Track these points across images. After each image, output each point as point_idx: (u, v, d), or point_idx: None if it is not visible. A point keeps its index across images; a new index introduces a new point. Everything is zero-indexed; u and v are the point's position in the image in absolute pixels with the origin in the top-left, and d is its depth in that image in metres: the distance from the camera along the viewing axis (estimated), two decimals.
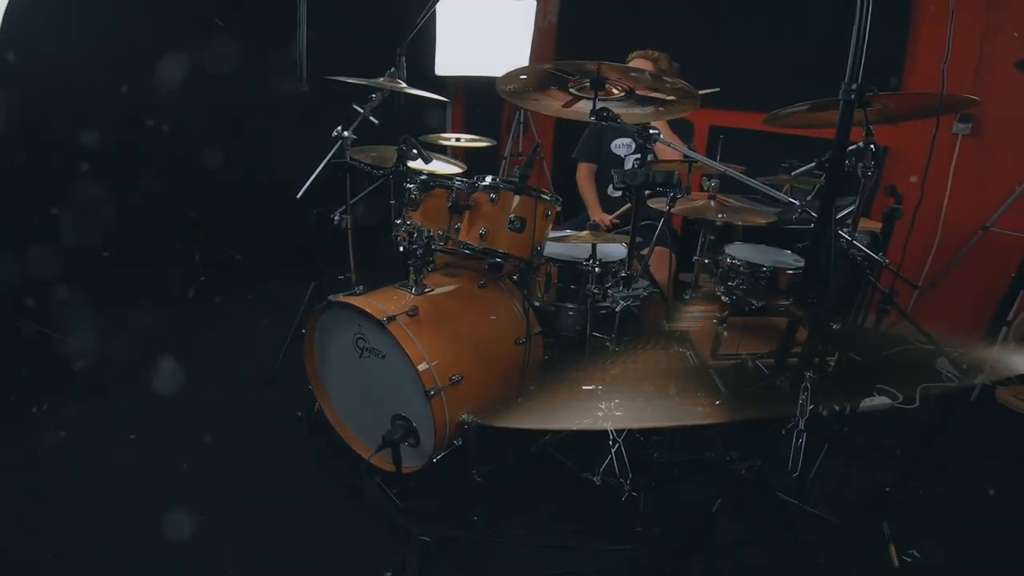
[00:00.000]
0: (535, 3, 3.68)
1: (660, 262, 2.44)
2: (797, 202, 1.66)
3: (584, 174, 2.77)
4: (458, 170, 2.74)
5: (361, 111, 2.82)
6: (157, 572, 1.71)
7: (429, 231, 2.01)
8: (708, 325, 2.27)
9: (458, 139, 3.46)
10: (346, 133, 2.38)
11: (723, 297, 2.27)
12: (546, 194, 1.98)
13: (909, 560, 1.71)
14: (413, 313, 1.91)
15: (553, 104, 1.96)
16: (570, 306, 2.19)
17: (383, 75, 2.44)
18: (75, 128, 2.88)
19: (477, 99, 4.76)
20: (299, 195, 2.33)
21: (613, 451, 2.00)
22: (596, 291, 1.92)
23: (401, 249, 2.09)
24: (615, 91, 1.72)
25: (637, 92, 1.79)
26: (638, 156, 2.65)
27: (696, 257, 2.20)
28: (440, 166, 2.66)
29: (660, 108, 1.88)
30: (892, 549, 1.73)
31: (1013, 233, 2.99)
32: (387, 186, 2.62)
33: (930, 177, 2.48)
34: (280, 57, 2.91)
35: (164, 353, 2.89)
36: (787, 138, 2.55)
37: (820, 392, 2.27)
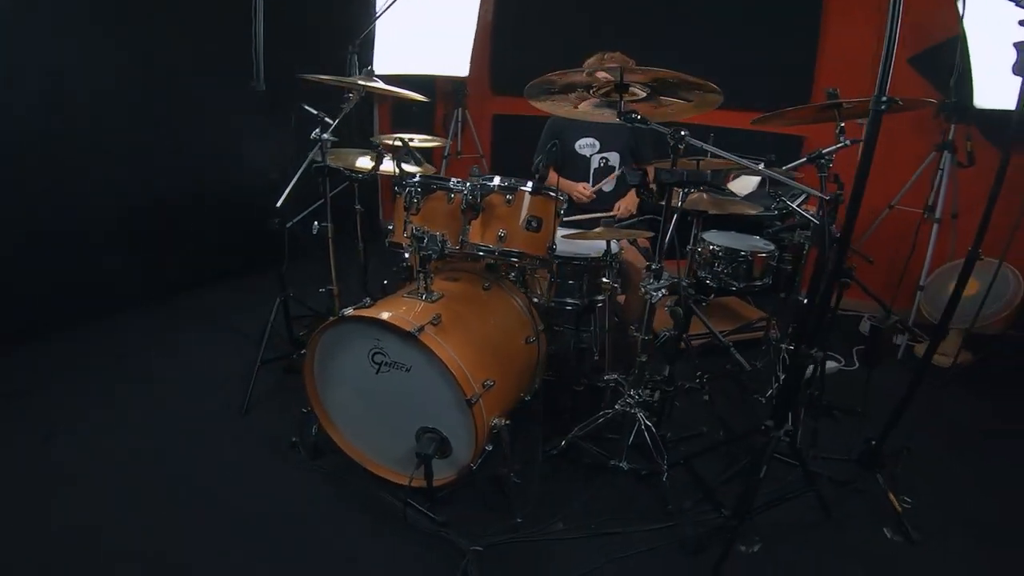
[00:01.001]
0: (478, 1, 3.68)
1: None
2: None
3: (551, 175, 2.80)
4: (425, 171, 2.66)
5: (315, 112, 2.69)
6: None
7: (443, 235, 1.95)
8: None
9: (411, 139, 3.37)
10: (325, 135, 2.23)
11: (708, 281, 2.42)
12: (556, 193, 2.00)
13: (909, 505, 1.93)
14: (437, 322, 1.85)
15: (565, 104, 1.98)
16: (599, 298, 2.20)
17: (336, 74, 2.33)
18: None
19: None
20: (279, 203, 2.16)
21: (632, 435, 2.08)
22: (616, 284, 1.98)
23: (407, 255, 2.01)
24: (638, 92, 1.77)
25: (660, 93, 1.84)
26: (604, 156, 2.73)
27: (690, 246, 2.33)
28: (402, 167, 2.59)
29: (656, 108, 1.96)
30: (892, 497, 1.95)
31: (912, 209, 3.45)
32: (347, 191, 2.52)
33: (848, 165, 2.84)
34: (232, 56, 2.70)
35: (117, 384, 2.60)
36: (739, 132, 2.76)
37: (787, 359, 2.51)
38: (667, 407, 2.29)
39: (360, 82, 2.30)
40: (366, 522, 1.90)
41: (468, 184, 1.96)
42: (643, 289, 1.82)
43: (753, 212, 2.26)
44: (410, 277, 2.72)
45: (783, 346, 2.49)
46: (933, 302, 3.19)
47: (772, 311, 2.79)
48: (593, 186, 2.71)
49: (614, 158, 2.73)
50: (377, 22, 3.67)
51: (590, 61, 2.62)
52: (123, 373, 2.69)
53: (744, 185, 3.41)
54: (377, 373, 1.91)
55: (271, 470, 2.12)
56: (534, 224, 1.94)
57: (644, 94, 1.76)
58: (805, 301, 2.42)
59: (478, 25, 3.77)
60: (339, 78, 2.31)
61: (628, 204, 2.67)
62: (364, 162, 2.71)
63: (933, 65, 3.23)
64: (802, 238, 2.35)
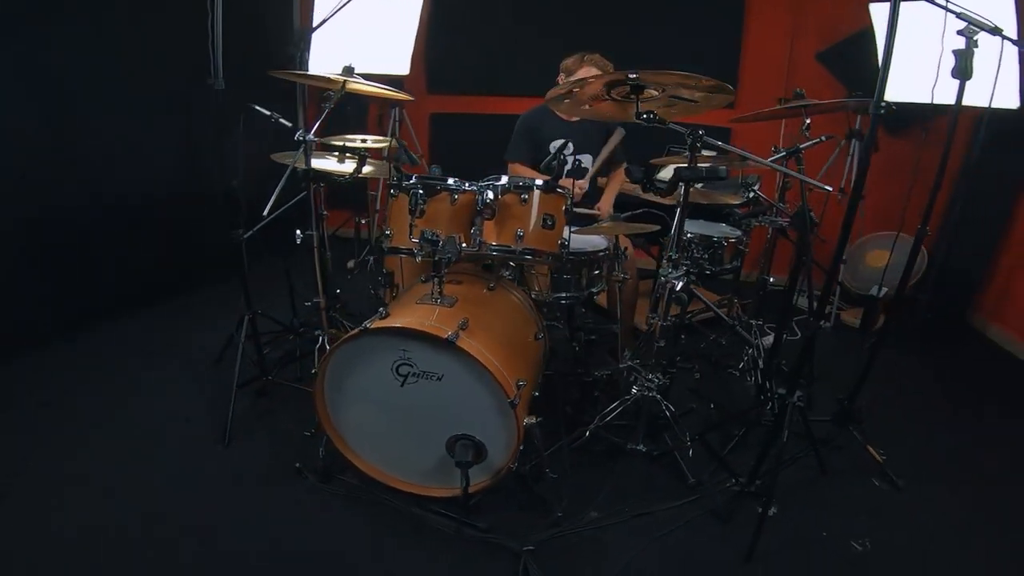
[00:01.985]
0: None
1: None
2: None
3: (522, 169, 2.81)
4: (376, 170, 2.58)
5: (267, 112, 2.53)
6: None
7: (460, 237, 1.91)
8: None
9: (364, 140, 3.25)
10: (310, 136, 2.09)
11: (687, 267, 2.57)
12: (563, 189, 2.03)
13: (885, 456, 2.18)
14: (465, 326, 1.81)
15: (581, 106, 2.02)
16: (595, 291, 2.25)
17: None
18: None
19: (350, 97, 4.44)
20: (265, 212, 1.99)
21: (643, 418, 2.17)
22: (626, 276, 2.04)
23: (418, 259, 1.95)
24: (654, 93, 1.83)
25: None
26: (578, 157, 2.79)
27: (688, 235, 2.47)
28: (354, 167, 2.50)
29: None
30: (871, 450, 2.19)
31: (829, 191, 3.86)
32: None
33: (762, 144, 3.17)
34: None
35: (64, 427, 2.28)
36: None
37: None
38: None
39: (349, 81, 2.17)
40: (407, 542, 1.83)
41: (480, 185, 1.94)
42: (663, 277, 1.90)
43: (736, 202, 2.43)
44: (390, 284, 2.64)
45: (754, 323, 2.71)
46: (854, 273, 3.60)
47: (733, 292, 3.01)
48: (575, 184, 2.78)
49: (587, 160, 2.80)
50: (315, 22, 3.51)
51: (568, 63, 2.67)
52: (66, 413, 2.36)
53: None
54: (402, 386, 1.84)
55: (280, 502, 1.96)
56: (549, 222, 1.96)
57: (657, 94, 1.83)
58: (771, 280, 2.66)
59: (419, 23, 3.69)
60: (324, 75, 2.18)
61: (607, 204, 2.77)
62: (322, 165, 2.58)
63: (840, 60, 3.63)
64: (766, 223, 2.56)
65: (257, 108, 2.72)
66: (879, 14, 3.01)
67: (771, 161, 1.99)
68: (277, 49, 3.93)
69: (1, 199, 2.65)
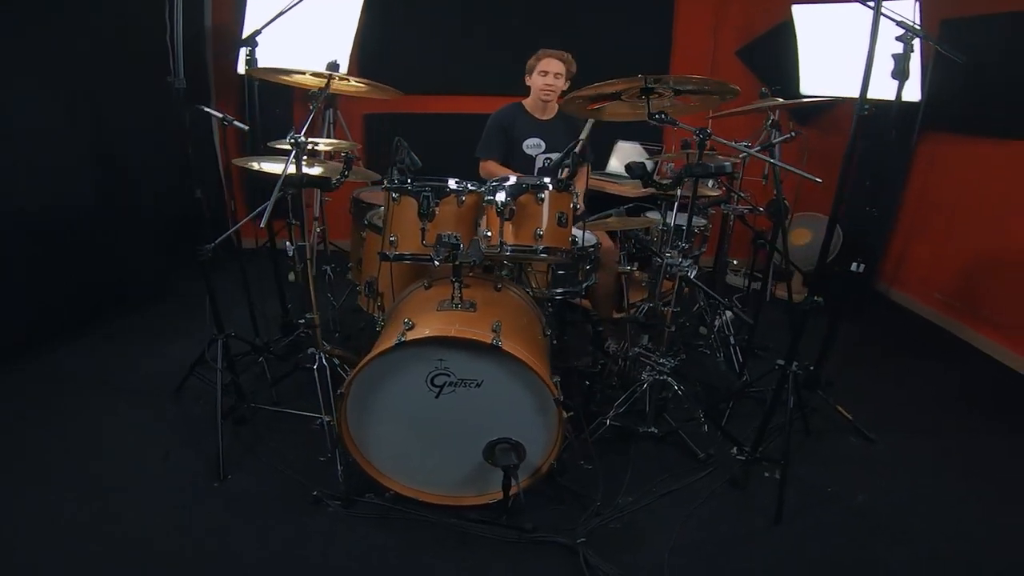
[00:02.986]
0: None
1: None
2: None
3: (494, 167, 2.80)
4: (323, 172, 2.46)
5: (216, 113, 2.37)
6: None
7: (482, 241, 1.88)
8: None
9: (315, 143, 3.06)
10: (302, 137, 1.95)
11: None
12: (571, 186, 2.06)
13: (850, 417, 2.44)
14: (499, 329, 1.79)
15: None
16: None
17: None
18: None
19: (272, 98, 4.13)
20: (263, 223, 1.82)
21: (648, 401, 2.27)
22: (631, 268, 2.12)
23: (435, 261, 1.89)
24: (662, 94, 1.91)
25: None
26: (549, 156, 2.83)
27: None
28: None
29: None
30: (840, 409, 2.44)
31: (750, 179, 4.21)
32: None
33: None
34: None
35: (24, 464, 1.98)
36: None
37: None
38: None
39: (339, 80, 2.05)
40: (454, 555, 1.77)
41: (495, 186, 1.92)
42: (674, 266, 2.00)
43: (716, 194, 2.59)
44: (373, 293, 2.52)
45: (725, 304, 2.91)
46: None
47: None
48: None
49: (557, 158, 2.84)
50: (246, 17, 3.25)
51: (531, 61, 2.69)
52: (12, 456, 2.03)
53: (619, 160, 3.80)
54: (437, 397, 1.78)
55: (305, 533, 1.82)
56: (563, 220, 1.98)
57: (666, 94, 1.91)
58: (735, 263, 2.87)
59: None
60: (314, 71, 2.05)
61: (581, 202, 2.83)
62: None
63: (758, 56, 3.97)
64: (728, 211, 2.76)
65: (206, 110, 2.51)
66: (801, 15, 3.32)
67: (756, 153, 2.15)
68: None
69: None
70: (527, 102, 2.82)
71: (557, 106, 2.85)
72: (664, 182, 2.04)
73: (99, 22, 3.10)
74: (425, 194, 1.90)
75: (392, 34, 4.03)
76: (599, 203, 2.97)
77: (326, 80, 2.07)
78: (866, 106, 1.83)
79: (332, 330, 3.05)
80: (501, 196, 1.88)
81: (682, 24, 4.15)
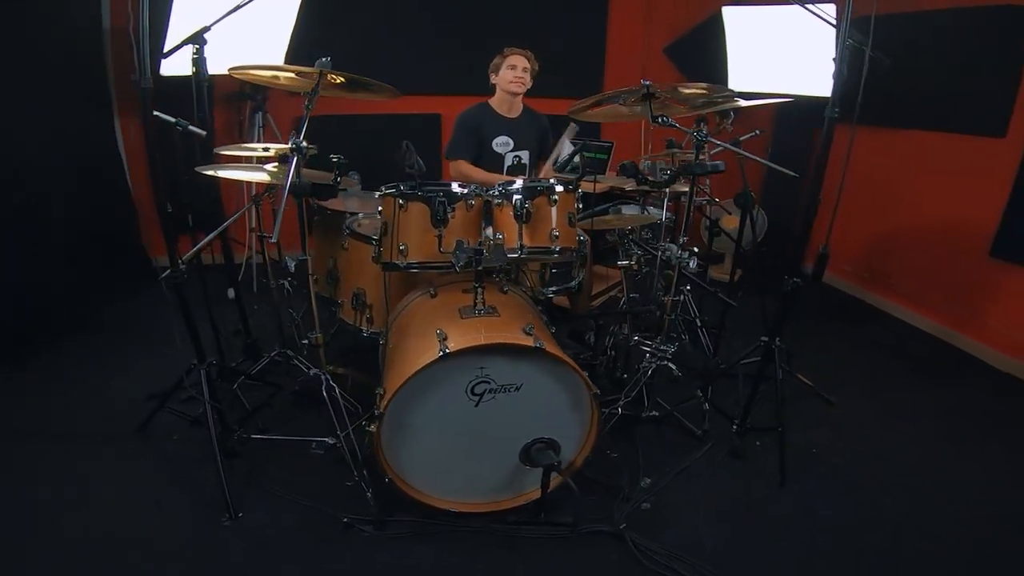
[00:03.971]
0: None
1: None
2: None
3: (467, 167, 2.77)
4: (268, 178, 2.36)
5: (172, 120, 2.19)
6: None
7: (504, 244, 1.87)
8: None
9: (266, 148, 2.87)
10: (304, 143, 1.82)
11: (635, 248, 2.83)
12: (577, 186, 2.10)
13: (811, 383, 2.71)
14: (531, 331, 1.80)
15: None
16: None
17: None
18: None
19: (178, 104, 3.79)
20: (274, 238, 1.69)
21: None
22: (632, 261, 2.21)
23: (456, 267, 1.86)
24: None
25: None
26: (517, 154, 2.86)
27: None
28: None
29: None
30: (801, 377, 2.71)
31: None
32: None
33: (631, 140, 3.62)
34: None
35: None
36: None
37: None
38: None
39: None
40: (504, 560, 1.78)
41: (510, 188, 1.92)
42: (670, 259, 2.12)
43: (685, 190, 2.74)
44: (361, 305, 2.42)
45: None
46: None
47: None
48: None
49: (525, 156, 2.88)
50: (173, 16, 2.95)
51: (495, 60, 2.70)
52: None
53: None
54: (477, 406, 1.76)
55: (345, 562, 1.73)
56: (572, 220, 2.02)
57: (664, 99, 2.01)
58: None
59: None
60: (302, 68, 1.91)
61: None
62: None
63: (684, 53, 4.23)
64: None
65: (158, 115, 2.29)
66: (731, 16, 3.57)
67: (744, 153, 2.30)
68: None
69: None
70: (493, 101, 2.82)
71: (522, 104, 2.88)
72: (653, 180, 2.15)
73: None
74: (440, 200, 1.87)
75: (328, 34, 3.83)
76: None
77: (316, 79, 1.94)
78: (836, 109, 2.02)
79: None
80: (518, 198, 1.89)
81: (615, 18, 4.31)
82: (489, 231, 1.94)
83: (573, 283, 2.42)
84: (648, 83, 1.95)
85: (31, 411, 2.41)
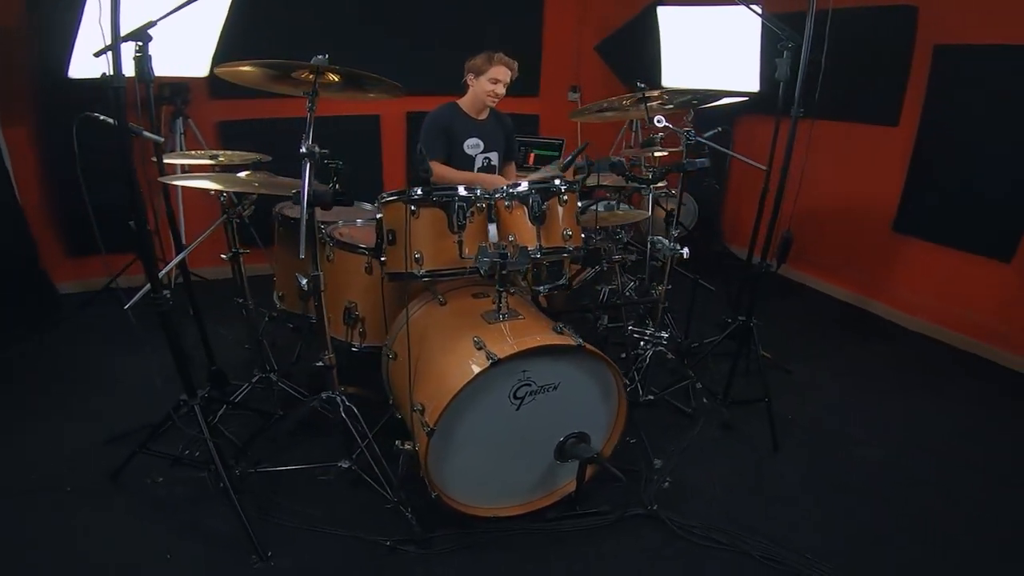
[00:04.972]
0: None
1: None
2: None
3: (442, 168, 2.70)
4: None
5: (112, 121, 2.02)
6: None
7: (527, 247, 1.88)
8: None
9: (215, 156, 2.64)
10: (316, 147, 1.71)
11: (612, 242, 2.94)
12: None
13: (792, 372, 2.96)
14: (562, 330, 1.83)
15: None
16: None
17: None
18: None
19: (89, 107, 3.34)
20: (300, 255, 1.57)
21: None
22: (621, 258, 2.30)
23: (482, 272, 1.83)
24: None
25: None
26: (487, 155, 2.85)
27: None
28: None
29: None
30: (764, 353, 2.96)
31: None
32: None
33: (563, 130, 3.78)
34: None
35: None
36: None
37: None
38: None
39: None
40: (562, 554, 1.81)
41: (523, 191, 1.92)
42: (663, 251, 2.24)
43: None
44: (353, 319, 2.31)
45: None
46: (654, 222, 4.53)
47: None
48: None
49: (495, 157, 2.87)
50: (85, 17, 2.61)
51: (477, 62, 2.66)
52: None
53: None
54: (518, 409, 1.77)
55: None
56: (577, 218, 2.07)
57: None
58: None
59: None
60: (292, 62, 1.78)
61: None
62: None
63: (614, 51, 4.40)
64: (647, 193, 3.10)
65: (94, 115, 2.06)
66: (665, 15, 3.76)
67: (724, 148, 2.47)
68: None
69: None
70: (463, 102, 2.78)
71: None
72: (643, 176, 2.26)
73: None
74: (460, 204, 1.84)
75: (254, 37, 3.55)
76: None
77: (314, 78, 1.81)
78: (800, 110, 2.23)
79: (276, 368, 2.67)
80: (535, 200, 1.90)
81: (550, 21, 4.40)
82: (493, 232, 1.95)
83: (564, 280, 2.48)
84: (643, 86, 2.04)
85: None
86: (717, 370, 2.75)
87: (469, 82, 2.72)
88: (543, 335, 1.75)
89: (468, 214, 1.86)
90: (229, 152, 2.74)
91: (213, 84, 3.68)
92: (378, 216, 2.03)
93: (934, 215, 3.39)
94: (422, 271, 1.88)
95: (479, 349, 1.70)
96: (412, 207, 1.86)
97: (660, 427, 2.43)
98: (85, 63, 2.62)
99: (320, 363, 1.89)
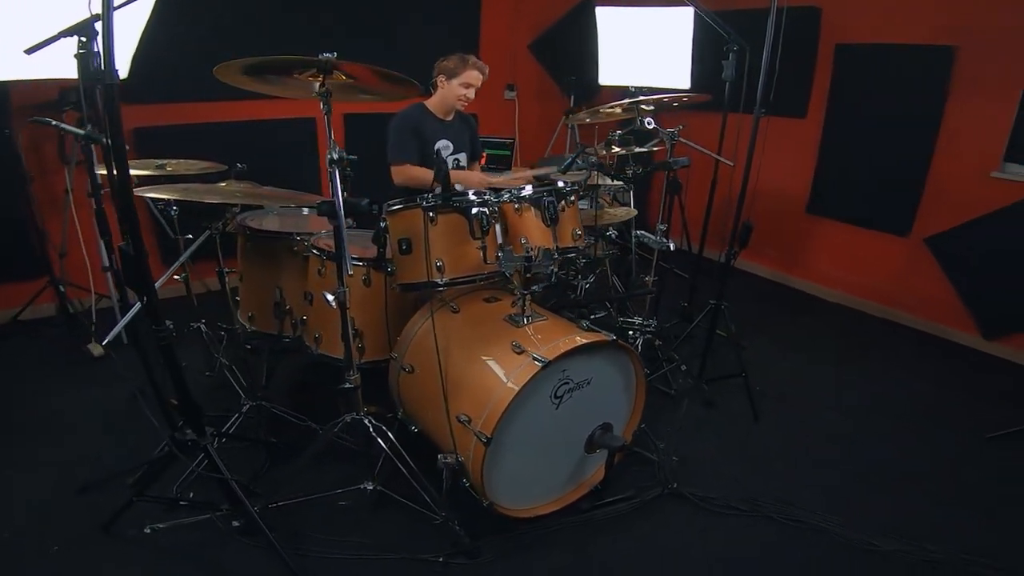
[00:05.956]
0: None
1: None
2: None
3: (415, 170, 2.62)
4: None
5: (63, 125, 1.95)
6: None
7: (543, 248, 1.90)
8: None
9: (165, 165, 2.41)
10: (344, 153, 1.62)
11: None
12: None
13: (747, 347, 3.19)
14: (587, 327, 1.89)
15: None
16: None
17: None
18: None
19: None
20: (348, 271, 1.49)
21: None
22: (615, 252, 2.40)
23: (507, 275, 1.85)
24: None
25: None
26: (456, 157, 2.82)
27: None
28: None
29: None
30: (718, 331, 3.21)
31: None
32: None
33: (502, 127, 3.88)
34: None
35: None
36: None
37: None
38: None
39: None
40: (608, 541, 1.88)
41: (537, 193, 1.95)
42: (649, 244, 2.37)
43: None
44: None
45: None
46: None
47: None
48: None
49: (463, 158, 2.85)
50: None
51: (449, 64, 2.62)
52: None
53: None
54: (558, 408, 1.81)
55: None
56: (581, 217, 2.14)
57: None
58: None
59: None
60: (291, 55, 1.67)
61: None
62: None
63: (547, 49, 4.48)
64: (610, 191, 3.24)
65: (40, 119, 1.89)
66: (603, 15, 3.88)
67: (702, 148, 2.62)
68: None
69: None
70: (431, 103, 2.73)
71: None
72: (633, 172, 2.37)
73: None
74: (482, 210, 1.83)
75: (176, 40, 3.22)
76: None
77: (322, 77, 1.70)
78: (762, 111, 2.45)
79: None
80: (550, 201, 1.94)
81: (487, 19, 4.40)
82: (498, 234, 1.96)
83: (553, 279, 2.54)
84: (634, 89, 2.14)
85: None
86: (682, 352, 2.94)
87: (439, 83, 2.68)
88: (578, 334, 1.80)
89: (488, 220, 1.85)
90: (175, 161, 2.52)
91: (129, 88, 3.31)
92: (382, 225, 1.96)
93: (841, 197, 3.84)
94: (445, 279, 1.85)
95: (519, 353, 1.72)
96: (431, 214, 1.82)
97: (651, 410, 2.56)
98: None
99: (347, 385, 1.80)
